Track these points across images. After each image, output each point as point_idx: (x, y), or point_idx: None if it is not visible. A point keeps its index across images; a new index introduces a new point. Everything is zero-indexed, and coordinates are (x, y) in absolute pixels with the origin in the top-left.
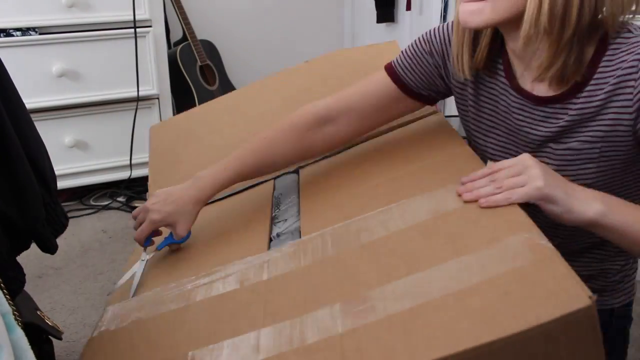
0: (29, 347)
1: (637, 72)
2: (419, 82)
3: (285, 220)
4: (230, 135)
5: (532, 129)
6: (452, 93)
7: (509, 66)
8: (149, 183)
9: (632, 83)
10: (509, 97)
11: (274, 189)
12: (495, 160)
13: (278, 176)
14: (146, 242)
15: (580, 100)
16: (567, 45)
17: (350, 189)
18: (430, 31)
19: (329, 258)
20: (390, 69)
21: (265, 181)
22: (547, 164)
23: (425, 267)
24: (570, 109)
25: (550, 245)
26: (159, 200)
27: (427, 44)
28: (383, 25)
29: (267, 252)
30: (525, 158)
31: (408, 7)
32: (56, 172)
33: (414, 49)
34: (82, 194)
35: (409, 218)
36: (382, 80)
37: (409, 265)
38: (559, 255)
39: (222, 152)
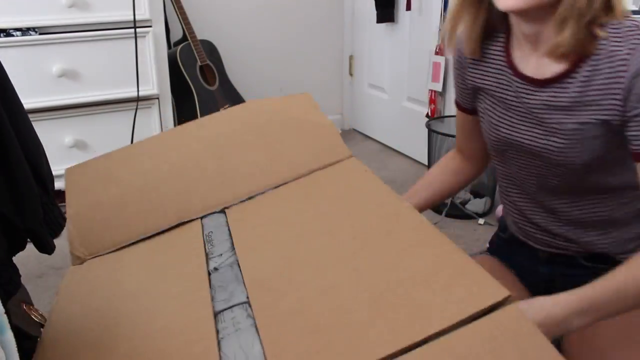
0: (16, 348)
1: (626, 66)
2: (470, 100)
3: (220, 254)
4: (152, 176)
5: (538, 108)
6: None
7: (509, 50)
8: (69, 227)
9: (623, 74)
10: (513, 83)
11: (202, 228)
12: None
13: (204, 216)
14: None
15: (581, 77)
16: (586, 23)
17: (282, 223)
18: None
19: None
20: (455, 102)
21: (190, 221)
22: (557, 141)
23: None
24: (570, 88)
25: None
26: None
27: (455, 62)
28: (383, 25)
29: None
30: None
31: (408, 7)
32: (55, 172)
33: (453, 74)
34: None
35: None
36: (458, 114)
37: None
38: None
39: (145, 192)
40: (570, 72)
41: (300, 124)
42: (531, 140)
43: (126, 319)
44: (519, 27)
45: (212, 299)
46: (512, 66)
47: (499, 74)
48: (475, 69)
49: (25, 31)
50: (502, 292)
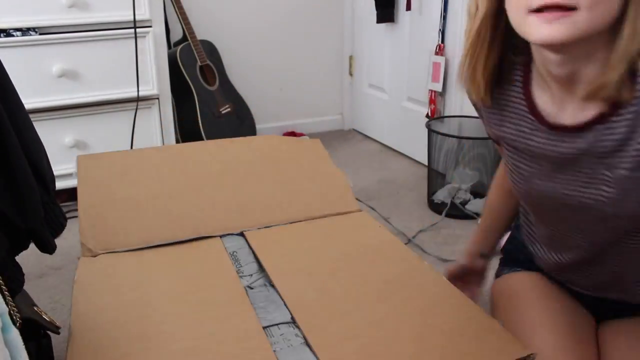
0: (23, 346)
1: None
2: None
3: (251, 275)
4: (169, 185)
5: (576, 156)
6: None
7: (529, 94)
8: (80, 217)
9: None
10: (538, 133)
11: (224, 246)
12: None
13: (222, 235)
14: None
15: (626, 118)
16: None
17: (308, 256)
18: None
19: None
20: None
21: (208, 237)
22: (607, 190)
23: None
24: (616, 129)
25: None
26: None
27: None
28: (383, 25)
29: None
30: None
31: (408, 7)
32: (56, 172)
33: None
34: None
35: None
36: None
37: None
38: None
39: (162, 199)
40: (612, 114)
41: (313, 170)
42: (573, 192)
43: (166, 317)
44: (548, 66)
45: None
46: (535, 113)
47: (520, 121)
48: (493, 115)
49: (25, 31)
50: (525, 350)
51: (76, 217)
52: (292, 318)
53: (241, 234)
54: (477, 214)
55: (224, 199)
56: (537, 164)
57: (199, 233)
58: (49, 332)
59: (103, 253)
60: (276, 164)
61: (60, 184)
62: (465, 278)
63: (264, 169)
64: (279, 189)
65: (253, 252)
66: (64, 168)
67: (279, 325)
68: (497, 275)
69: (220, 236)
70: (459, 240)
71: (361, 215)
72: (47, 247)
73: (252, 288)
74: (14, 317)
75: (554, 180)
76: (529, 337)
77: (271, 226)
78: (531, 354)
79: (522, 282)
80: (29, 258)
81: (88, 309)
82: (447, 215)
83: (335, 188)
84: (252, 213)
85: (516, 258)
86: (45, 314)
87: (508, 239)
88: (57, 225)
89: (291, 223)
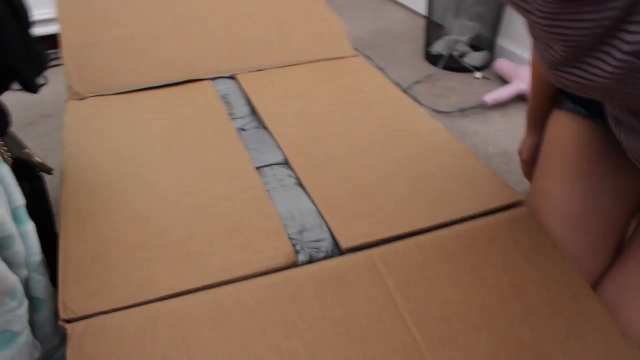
0: (16, 183)
1: None
2: None
3: (243, 117)
4: (156, 27)
5: None
6: None
7: None
8: (64, 60)
9: None
10: None
11: (215, 89)
12: None
13: (213, 78)
14: None
15: None
16: None
17: (301, 99)
18: None
19: None
20: None
21: (199, 80)
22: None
23: None
24: None
25: None
26: None
27: None
28: None
29: None
30: None
31: None
32: (39, 17)
33: None
34: None
35: None
36: None
37: None
38: None
39: (149, 41)
40: None
41: (308, 13)
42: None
43: (159, 158)
44: None
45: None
46: None
47: None
48: None
49: None
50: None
51: (61, 64)
52: (285, 159)
53: (232, 77)
54: (475, 67)
55: (214, 41)
56: None
57: (188, 76)
58: (42, 173)
59: (91, 96)
60: (269, 4)
61: (44, 30)
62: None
63: (256, 9)
64: (271, 31)
65: (245, 95)
66: (48, 12)
67: (272, 166)
68: (559, 106)
69: (211, 79)
70: (455, 93)
71: (357, 60)
72: (31, 86)
73: (244, 130)
74: (4, 156)
75: None
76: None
77: (263, 69)
78: (521, 200)
79: (579, 130)
80: (17, 106)
81: (79, 150)
82: (444, 68)
83: (330, 32)
84: (243, 55)
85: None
86: (37, 155)
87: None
88: (39, 62)
89: (284, 67)
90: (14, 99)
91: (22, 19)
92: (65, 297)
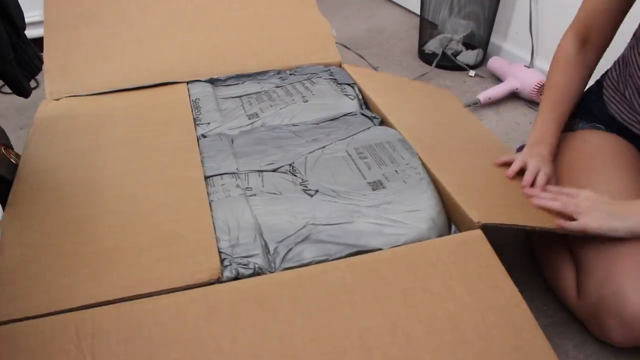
0: None
1: None
2: None
3: (209, 123)
4: (139, 27)
5: None
6: None
7: None
8: (45, 59)
9: None
10: None
11: (189, 93)
12: None
13: (190, 81)
14: None
15: None
16: None
17: None
18: None
19: None
20: None
21: (175, 83)
22: None
23: None
24: None
25: None
26: None
27: None
28: None
29: None
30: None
31: None
32: (34, 19)
33: None
34: None
35: None
36: None
37: None
38: None
39: (130, 42)
40: None
41: (296, 16)
42: None
43: (114, 162)
44: None
45: (202, 163)
46: None
47: None
48: None
49: None
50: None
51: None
52: (237, 169)
53: (210, 81)
54: (469, 66)
55: (196, 44)
56: None
57: (166, 78)
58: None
59: (67, 97)
60: (256, 7)
61: (38, 32)
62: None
63: (243, 13)
64: (255, 34)
65: (217, 100)
66: (40, 15)
67: (222, 176)
68: (572, 128)
69: (187, 82)
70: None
71: (343, 67)
72: (21, 90)
73: (205, 137)
74: None
75: None
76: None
77: (242, 75)
78: (478, 222)
79: (603, 141)
80: (9, 110)
81: (39, 152)
82: (438, 66)
83: (316, 37)
84: (224, 60)
85: (592, 112)
86: (16, 155)
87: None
88: (31, 66)
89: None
90: (6, 102)
91: (13, 22)
92: None
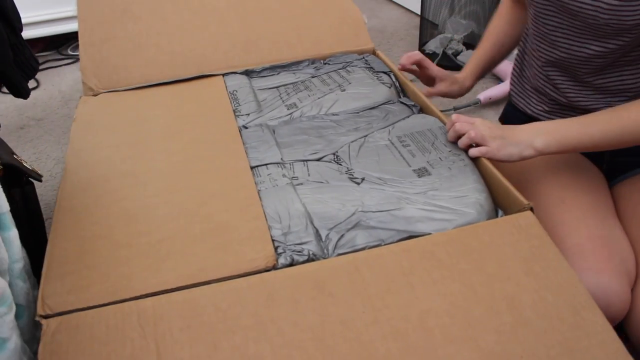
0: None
1: None
2: None
3: (248, 114)
4: (172, 21)
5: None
6: None
7: None
8: (81, 56)
9: None
10: None
11: (226, 85)
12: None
13: (226, 73)
14: None
15: None
16: None
17: None
18: None
19: None
20: None
21: (211, 75)
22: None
23: None
24: None
25: None
26: None
27: None
28: None
29: None
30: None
31: None
32: (31, 19)
33: None
34: (59, 43)
35: None
36: None
37: None
38: None
39: (165, 35)
40: None
41: (327, 4)
42: None
43: (159, 155)
44: None
45: (246, 153)
46: None
47: None
48: None
49: None
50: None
51: (55, 67)
52: (282, 159)
53: (245, 73)
54: None
55: (229, 36)
56: None
57: (201, 71)
58: (32, 179)
59: (104, 92)
60: None
61: (36, 32)
62: (429, 77)
63: (273, 3)
64: (287, 24)
65: (254, 92)
66: (39, 14)
67: (268, 166)
68: None
69: (223, 74)
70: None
71: (377, 54)
72: (20, 91)
73: (246, 128)
74: None
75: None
76: (537, 191)
77: (278, 66)
78: (527, 205)
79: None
80: (9, 110)
81: (83, 146)
82: (438, 66)
83: (348, 24)
84: (258, 51)
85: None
86: (26, 162)
87: (502, 113)
88: (29, 68)
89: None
90: (5, 102)
91: (11, 23)
92: (45, 292)
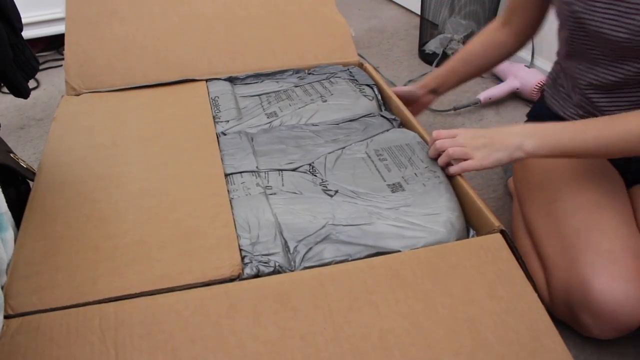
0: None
1: None
2: None
3: (227, 121)
4: (159, 25)
5: None
6: None
7: None
8: (66, 55)
9: None
10: None
11: (208, 90)
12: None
13: (209, 79)
14: None
15: None
16: None
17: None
18: None
19: None
20: None
21: (194, 80)
22: None
23: None
24: None
25: None
26: None
27: None
28: None
29: None
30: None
31: None
32: (32, 19)
33: None
34: (59, 43)
35: None
36: None
37: None
38: None
39: (151, 39)
40: None
41: (315, 15)
42: (606, 19)
43: (135, 158)
44: None
45: (222, 160)
46: None
47: None
48: None
49: None
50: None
51: (54, 67)
52: (257, 167)
53: (229, 79)
54: None
55: (215, 42)
56: None
57: (185, 75)
58: (27, 179)
59: (87, 92)
60: (276, 6)
61: (36, 32)
62: (406, 103)
63: (261, 10)
64: (273, 33)
65: (235, 98)
66: (39, 15)
67: (242, 174)
68: None
69: (207, 80)
70: (450, 96)
71: (364, 67)
72: (21, 91)
73: (225, 134)
74: None
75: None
76: (559, 195)
77: (261, 73)
78: (497, 227)
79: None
80: (9, 110)
81: (60, 147)
82: (438, 66)
83: (334, 36)
84: (243, 58)
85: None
86: (23, 161)
87: (532, 108)
88: (29, 67)
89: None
90: (6, 102)
91: (11, 23)
92: (9, 293)
